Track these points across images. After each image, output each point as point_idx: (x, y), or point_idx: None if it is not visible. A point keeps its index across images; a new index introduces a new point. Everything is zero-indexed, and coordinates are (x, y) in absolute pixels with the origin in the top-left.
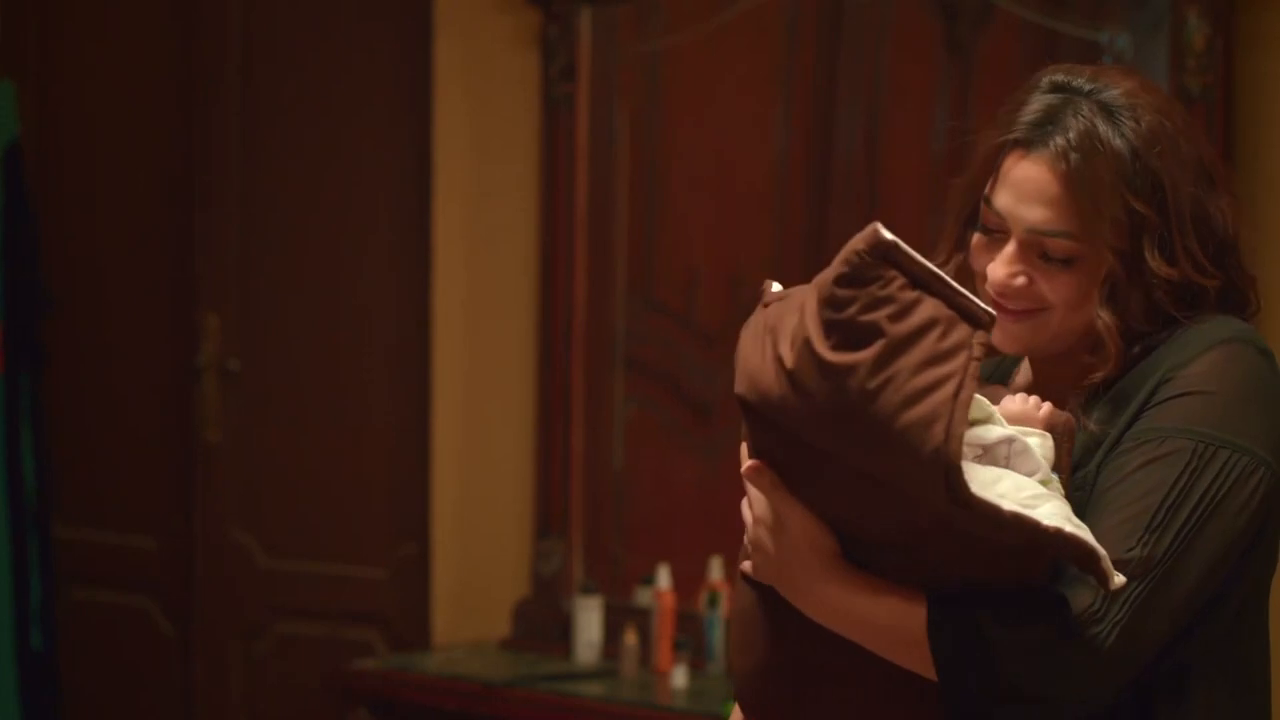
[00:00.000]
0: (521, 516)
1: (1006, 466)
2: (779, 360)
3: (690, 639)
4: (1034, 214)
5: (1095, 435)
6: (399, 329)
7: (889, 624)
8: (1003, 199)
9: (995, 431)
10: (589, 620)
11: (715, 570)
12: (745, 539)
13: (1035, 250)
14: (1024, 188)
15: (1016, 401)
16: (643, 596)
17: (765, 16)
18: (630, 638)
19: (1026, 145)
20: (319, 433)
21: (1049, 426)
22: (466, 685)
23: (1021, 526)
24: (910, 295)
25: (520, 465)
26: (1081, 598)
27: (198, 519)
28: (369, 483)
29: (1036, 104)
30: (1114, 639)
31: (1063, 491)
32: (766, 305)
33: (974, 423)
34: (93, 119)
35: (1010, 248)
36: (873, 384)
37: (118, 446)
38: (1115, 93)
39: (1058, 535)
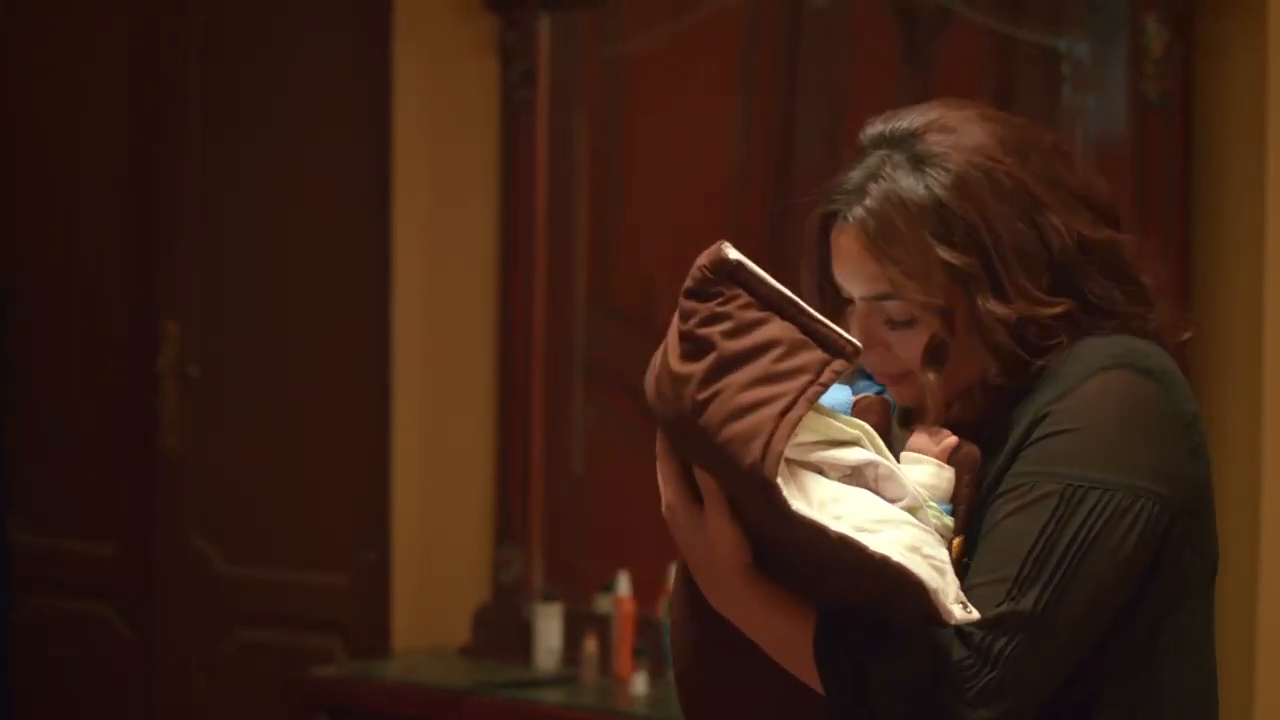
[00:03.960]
0: (481, 523)
1: (874, 490)
2: (655, 363)
3: (650, 646)
4: (857, 285)
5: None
6: (359, 335)
7: (783, 638)
8: (837, 273)
9: (858, 454)
10: (549, 627)
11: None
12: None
13: (879, 317)
14: (844, 260)
15: (923, 434)
16: (603, 603)
17: (725, 22)
18: (590, 644)
19: (839, 215)
20: (279, 439)
21: (950, 459)
22: (426, 692)
23: (847, 548)
24: (752, 315)
25: (480, 472)
26: (959, 649)
27: (157, 525)
28: (329, 490)
29: (853, 170)
30: (985, 696)
31: (946, 523)
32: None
33: (839, 444)
34: (50, 124)
35: (857, 319)
36: (702, 396)
37: (77, 453)
38: (929, 138)
39: (883, 563)
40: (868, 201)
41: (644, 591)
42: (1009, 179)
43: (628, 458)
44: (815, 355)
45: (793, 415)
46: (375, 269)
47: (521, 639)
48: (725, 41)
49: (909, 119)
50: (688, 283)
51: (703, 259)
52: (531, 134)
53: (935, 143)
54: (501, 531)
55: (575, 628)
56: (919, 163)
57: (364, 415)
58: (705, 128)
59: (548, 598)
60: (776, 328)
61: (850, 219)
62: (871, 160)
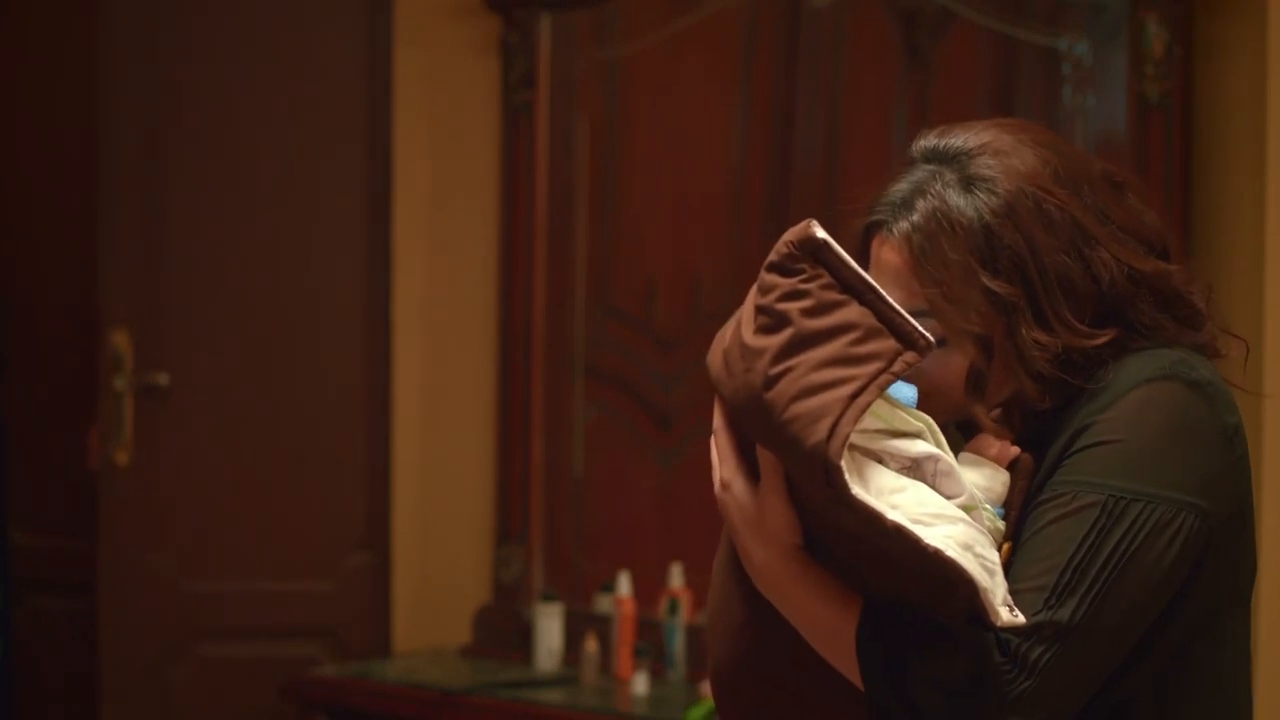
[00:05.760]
0: (482, 523)
1: (932, 484)
2: (724, 336)
3: (650, 646)
4: (895, 299)
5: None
6: (359, 337)
7: (825, 625)
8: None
9: (920, 447)
10: (549, 627)
11: (675, 577)
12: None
13: None
14: (884, 272)
15: (987, 441)
16: (603, 603)
17: (724, 23)
18: (590, 645)
19: (883, 227)
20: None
21: (1008, 464)
22: (426, 693)
23: (901, 538)
24: (832, 296)
25: (481, 472)
26: (996, 654)
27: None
28: (328, 491)
29: (900, 181)
30: (1020, 704)
31: (999, 527)
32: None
33: (903, 434)
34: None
35: None
36: (774, 370)
37: (74, 455)
38: (981, 160)
39: (935, 556)
40: (914, 217)
41: (644, 592)
42: (1059, 211)
43: (628, 458)
44: (889, 344)
45: (863, 400)
46: (375, 270)
47: (522, 639)
48: (725, 42)
49: (963, 137)
50: (771, 257)
51: (790, 234)
52: (532, 135)
53: (987, 165)
54: (501, 531)
55: (575, 628)
56: (969, 183)
57: (364, 416)
58: (704, 128)
59: (548, 598)
60: (854, 311)
61: (894, 232)
62: (920, 174)
